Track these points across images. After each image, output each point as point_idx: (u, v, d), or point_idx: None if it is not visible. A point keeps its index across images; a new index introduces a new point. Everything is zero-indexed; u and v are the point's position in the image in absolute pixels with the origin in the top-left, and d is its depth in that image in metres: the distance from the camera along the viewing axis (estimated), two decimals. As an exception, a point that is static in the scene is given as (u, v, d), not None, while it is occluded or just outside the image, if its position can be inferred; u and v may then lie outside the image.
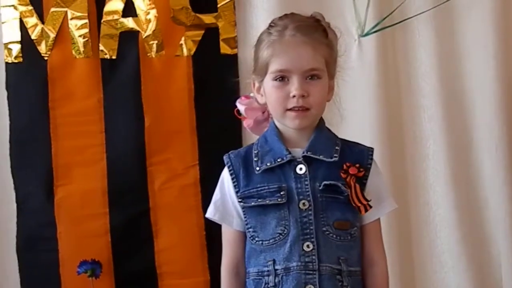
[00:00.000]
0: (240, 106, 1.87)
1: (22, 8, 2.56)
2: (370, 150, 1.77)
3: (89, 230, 2.56)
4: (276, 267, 1.67)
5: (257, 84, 1.77)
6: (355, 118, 2.56)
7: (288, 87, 1.69)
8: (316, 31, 1.72)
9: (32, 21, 2.57)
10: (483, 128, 2.59)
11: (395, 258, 2.53)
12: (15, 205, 2.59)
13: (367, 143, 1.82)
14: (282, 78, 1.69)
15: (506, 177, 2.55)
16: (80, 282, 2.50)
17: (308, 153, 1.70)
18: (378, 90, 2.56)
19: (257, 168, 1.71)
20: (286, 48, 1.69)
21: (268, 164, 1.71)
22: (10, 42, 2.58)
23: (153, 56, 2.57)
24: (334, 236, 1.68)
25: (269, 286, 1.68)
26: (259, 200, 1.69)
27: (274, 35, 1.71)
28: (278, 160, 1.70)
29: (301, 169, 1.70)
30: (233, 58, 2.57)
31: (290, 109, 1.69)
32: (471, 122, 2.61)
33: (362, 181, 1.71)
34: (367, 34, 2.56)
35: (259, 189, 1.70)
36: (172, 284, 2.56)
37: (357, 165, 1.71)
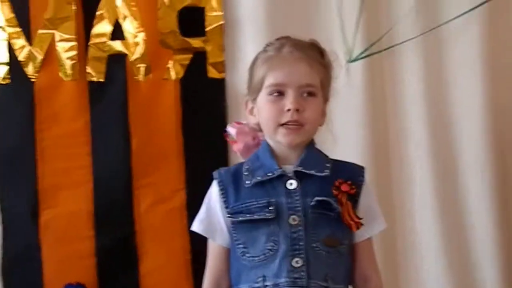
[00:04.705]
0: (232, 129, 1.88)
1: (10, 30, 2.55)
2: (362, 168, 1.77)
3: (75, 252, 2.54)
4: (266, 283, 1.66)
5: (250, 105, 1.77)
6: (341, 142, 2.55)
7: (283, 101, 1.69)
8: (313, 50, 1.74)
9: (19, 42, 2.55)
10: (469, 154, 2.59)
11: (380, 284, 2.53)
12: (1, 226, 2.57)
13: (353, 167, 1.82)
14: (278, 93, 1.69)
15: (492, 204, 2.56)
16: (64, 305, 2.49)
17: (300, 168, 1.70)
18: (365, 115, 2.57)
19: (247, 182, 1.71)
20: (283, 63, 1.70)
21: (259, 178, 1.70)
22: (-2, 64, 2.58)
23: (141, 79, 2.56)
24: (324, 252, 1.67)
25: None
26: (247, 215, 1.68)
27: (271, 51, 1.72)
28: (269, 174, 1.70)
29: (291, 184, 1.69)
30: (221, 82, 2.57)
31: (283, 125, 1.68)
32: (457, 148, 2.61)
33: (354, 198, 1.70)
34: (355, 60, 2.56)
35: (248, 204, 1.69)
36: (157, 307, 2.56)
37: (349, 182, 1.70)
